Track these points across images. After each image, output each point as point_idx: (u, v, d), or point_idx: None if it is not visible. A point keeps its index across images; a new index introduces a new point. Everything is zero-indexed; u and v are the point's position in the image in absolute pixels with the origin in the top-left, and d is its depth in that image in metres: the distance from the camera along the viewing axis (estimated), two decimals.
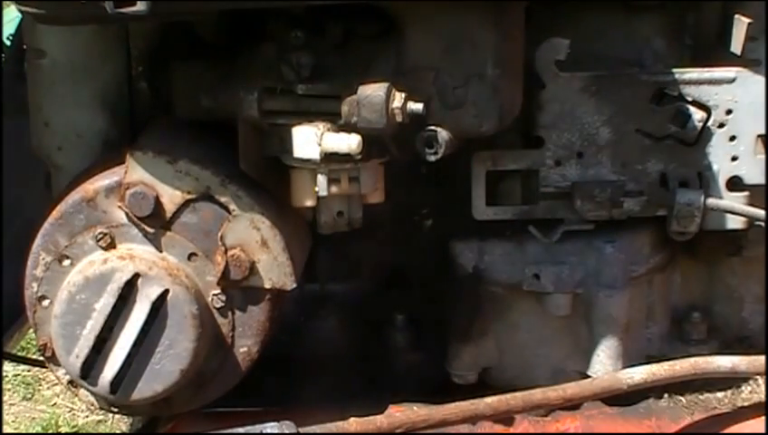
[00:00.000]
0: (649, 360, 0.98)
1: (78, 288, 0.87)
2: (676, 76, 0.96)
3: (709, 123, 0.97)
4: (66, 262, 0.90)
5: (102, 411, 2.01)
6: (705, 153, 0.98)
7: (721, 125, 0.97)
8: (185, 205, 0.89)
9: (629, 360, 1.01)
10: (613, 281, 1.00)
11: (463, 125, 0.85)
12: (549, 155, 0.97)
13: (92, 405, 0.95)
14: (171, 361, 0.87)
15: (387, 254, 1.07)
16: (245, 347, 0.92)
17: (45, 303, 0.90)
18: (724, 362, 0.92)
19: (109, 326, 0.87)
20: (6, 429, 2.54)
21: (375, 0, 0.83)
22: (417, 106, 0.82)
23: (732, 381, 1.00)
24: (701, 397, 1.00)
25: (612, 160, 0.98)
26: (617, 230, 1.00)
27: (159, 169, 0.88)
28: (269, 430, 0.90)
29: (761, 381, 0.98)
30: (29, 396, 2.74)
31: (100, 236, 0.89)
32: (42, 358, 0.93)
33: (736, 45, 0.96)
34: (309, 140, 0.84)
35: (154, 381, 0.87)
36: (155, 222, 0.89)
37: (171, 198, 0.88)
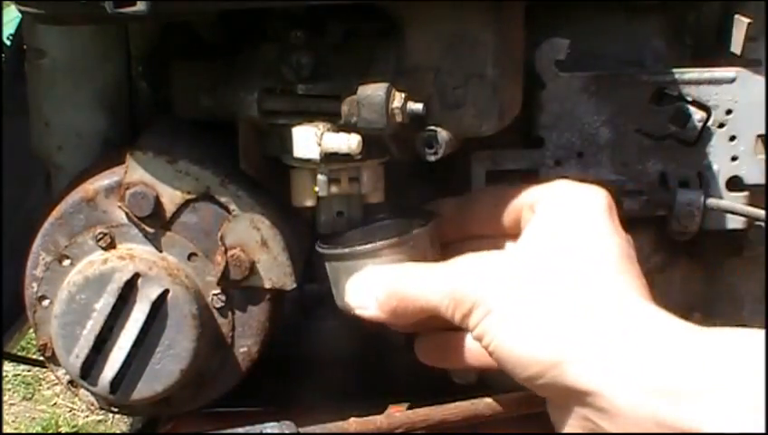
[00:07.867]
0: None
1: (78, 288, 0.87)
2: (676, 76, 0.96)
3: (709, 123, 0.97)
4: (66, 262, 0.89)
5: (102, 411, 2.02)
6: (705, 153, 0.98)
7: (721, 125, 0.97)
8: (185, 205, 0.89)
9: None
10: None
11: (463, 125, 0.84)
12: (549, 155, 0.97)
13: (92, 405, 0.95)
14: (171, 361, 0.87)
15: None
16: (245, 347, 0.92)
17: (45, 303, 0.90)
18: None
19: (109, 326, 0.87)
20: (6, 429, 2.55)
21: (375, 0, 0.83)
22: (417, 106, 0.82)
23: None
24: None
25: (612, 160, 0.97)
26: None
27: (159, 169, 0.88)
28: (269, 430, 0.90)
29: None
30: (29, 396, 2.75)
31: (100, 236, 0.89)
32: (42, 358, 0.93)
33: (736, 45, 0.96)
34: (309, 140, 0.84)
35: (154, 381, 0.87)
36: (155, 222, 0.89)
37: (171, 198, 0.88)
